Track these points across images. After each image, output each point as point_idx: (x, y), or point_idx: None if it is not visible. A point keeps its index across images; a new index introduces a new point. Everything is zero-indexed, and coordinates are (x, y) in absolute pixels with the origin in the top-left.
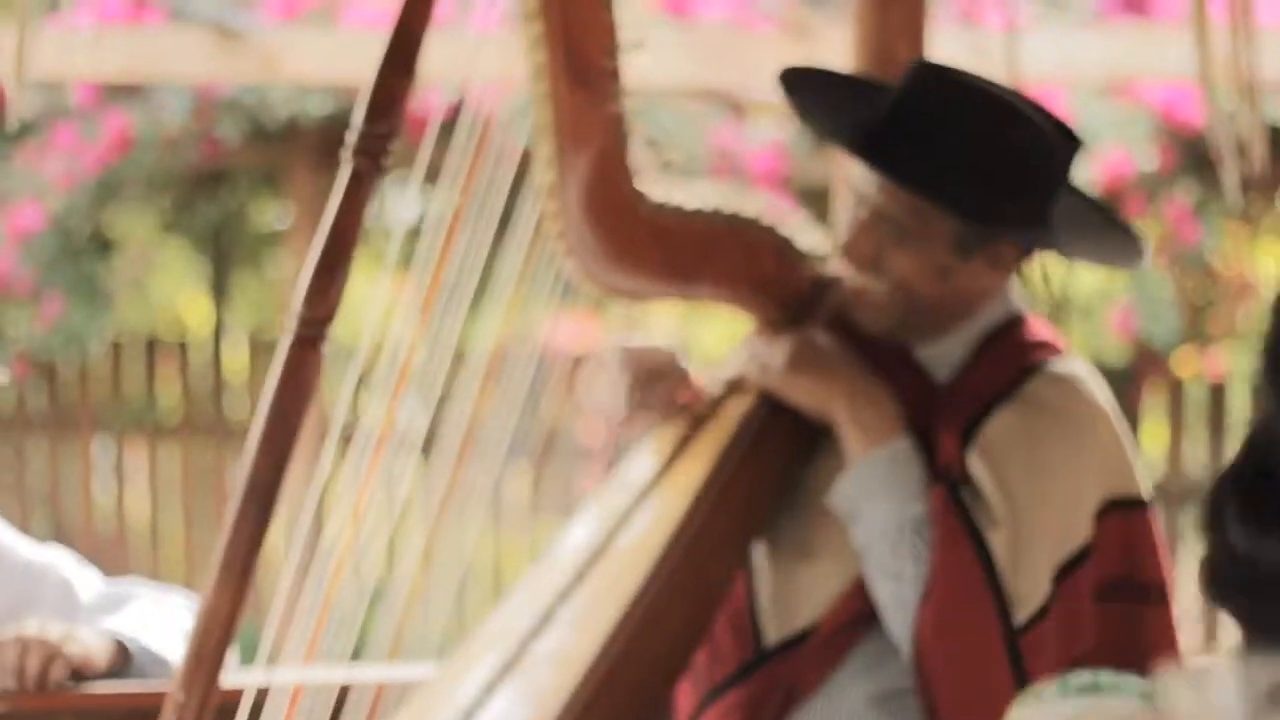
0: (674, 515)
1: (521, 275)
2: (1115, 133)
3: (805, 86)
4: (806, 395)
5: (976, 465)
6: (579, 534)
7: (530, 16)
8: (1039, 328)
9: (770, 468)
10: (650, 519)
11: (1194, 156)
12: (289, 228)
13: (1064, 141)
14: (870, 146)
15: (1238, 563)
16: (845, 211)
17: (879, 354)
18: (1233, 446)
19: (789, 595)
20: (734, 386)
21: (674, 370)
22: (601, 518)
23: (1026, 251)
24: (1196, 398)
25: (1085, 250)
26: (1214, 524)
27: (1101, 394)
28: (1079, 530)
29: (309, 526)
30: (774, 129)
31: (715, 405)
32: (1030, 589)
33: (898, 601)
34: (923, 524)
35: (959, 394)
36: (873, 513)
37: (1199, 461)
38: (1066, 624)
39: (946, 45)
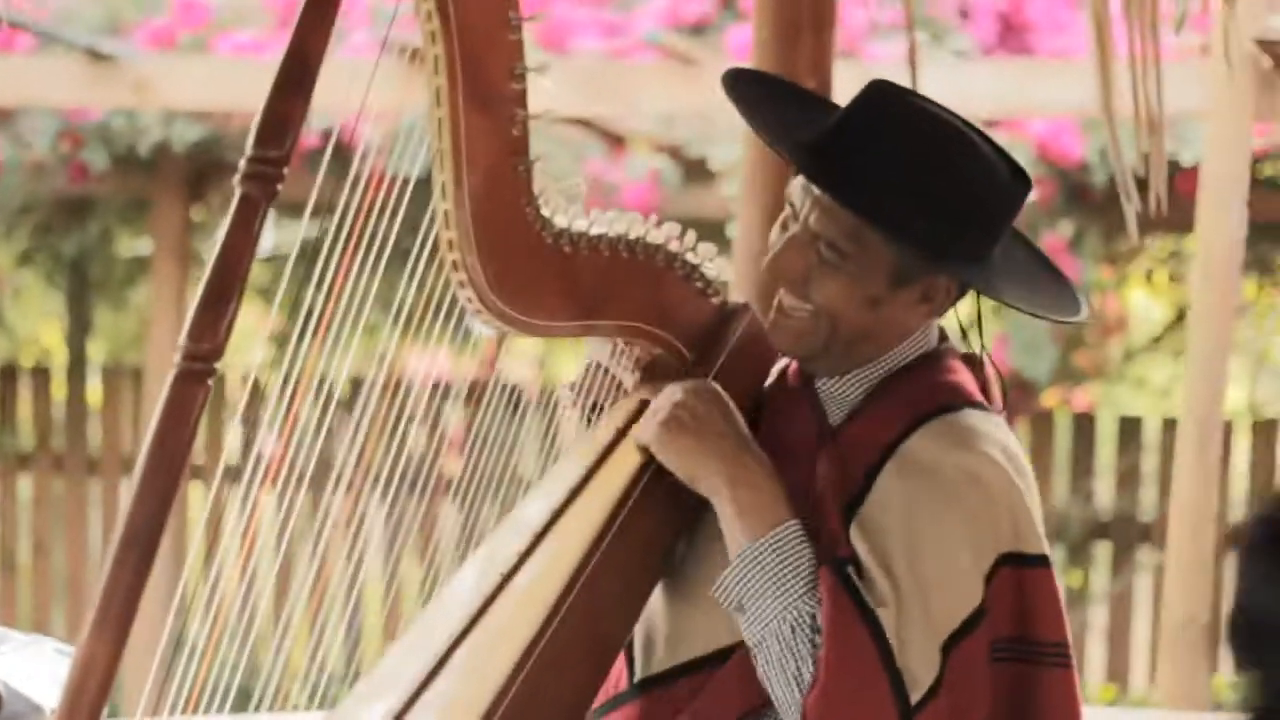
0: (570, 559)
1: (390, 304)
2: None
3: (749, 89)
4: (680, 464)
5: (857, 540)
6: (472, 575)
7: (430, 38)
8: (948, 369)
9: (670, 507)
10: (546, 562)
11: (1071, 191)
12: (152, 255)
13: (1014, 180)
14: (816, 162)
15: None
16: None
17: (779, 387)
18: (1101, 481)
19: (671, 630)
20: (640, 408)
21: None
22: (496, 560)
23: (961, 290)
24: (1064, 431)
25: (1019, 296)
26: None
27: (998, 445)
28: (968, 596)
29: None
30: (650, 160)
31: (619, 434)
32: (921, 666)
33: (793, 703)
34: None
35: (846, 447)
36: (762, 611)
37: (1063, 495)
38: (961, 695)
39: (837, 79)
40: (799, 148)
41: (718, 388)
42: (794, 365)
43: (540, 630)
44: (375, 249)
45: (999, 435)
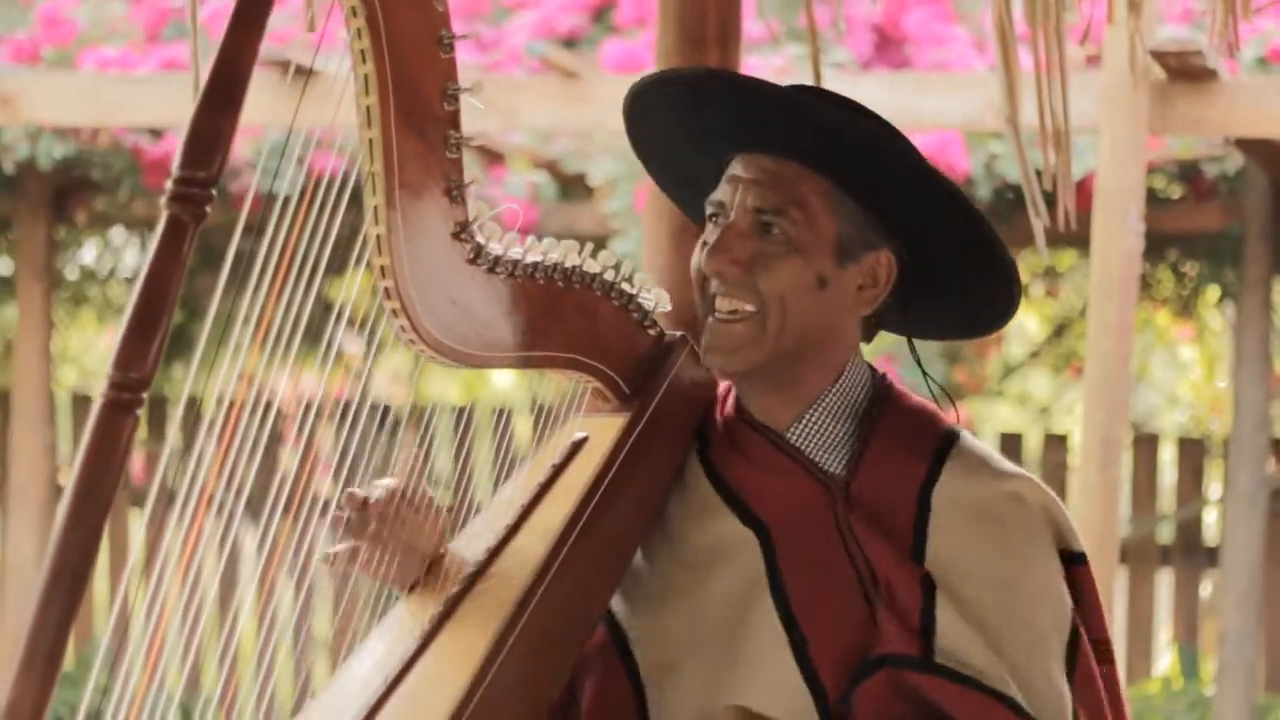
0: (519, 587)
1: (259, 323)
2: None
3: (650, 102)
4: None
5: (945, 608)
6: (418, 604)
7: (360, 57)
8: (905, 393)
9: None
10: (496, 589)
11: None
12: (14, 275)
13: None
14: (758, 132)
15: None
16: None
17: (750, 456)
18: None
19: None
20: (575, 448)
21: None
22: (439, 591)
23: (899, 269)
24: None
25: (951, 291)
26: None
27: (1002, 458)
28: (1065, 608)
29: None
30: (528, 176)
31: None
32: (1051, 702)
33: None
34: None
35: (868, 500)
36: None
37: None
38: (1094, 710)
39: None
40: (739, 130)
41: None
42: (729, 414)
43: (488, 660)
44: (243, 267)
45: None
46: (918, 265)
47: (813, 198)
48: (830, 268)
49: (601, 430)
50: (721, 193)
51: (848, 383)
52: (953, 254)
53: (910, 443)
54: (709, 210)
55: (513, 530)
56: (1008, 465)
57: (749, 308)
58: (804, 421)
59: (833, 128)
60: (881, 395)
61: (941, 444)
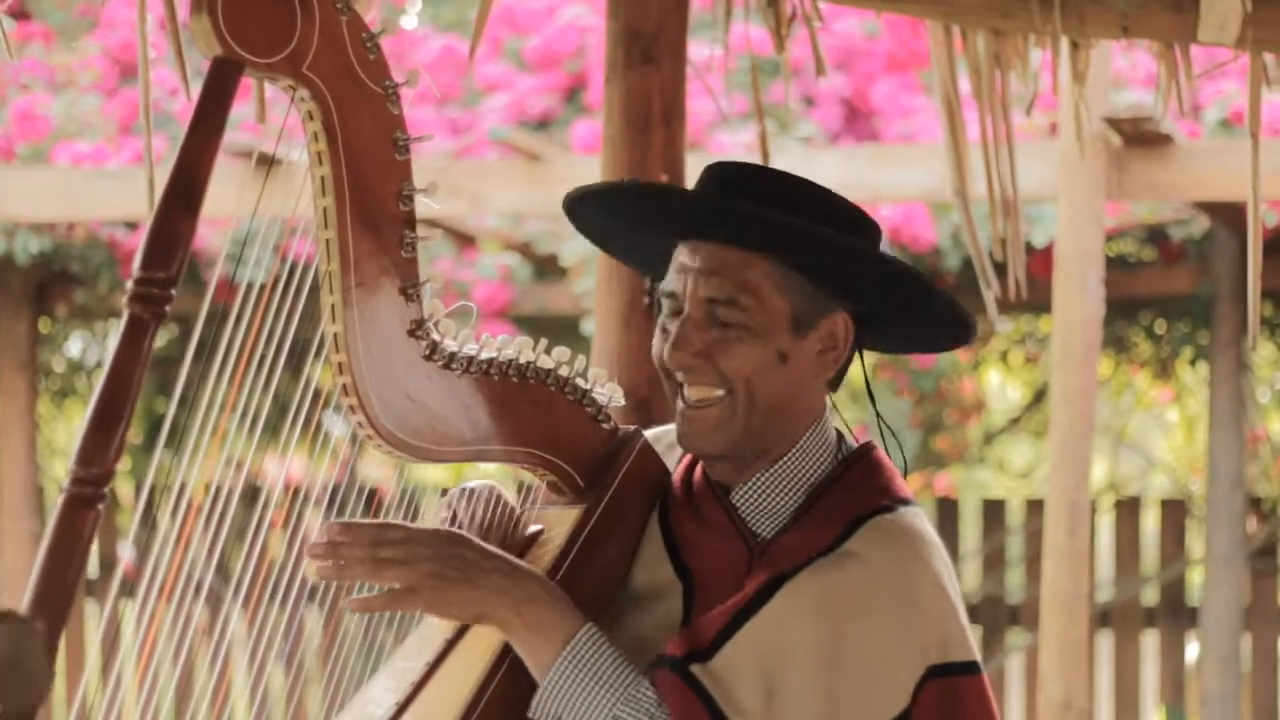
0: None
1: (235, 409)
2: None
3: (592, 210)
4: (466, 613)
5: (750, 637)
6: (381, 687)
7: (317, 159)
8: (870, 469)
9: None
10: (453, 679)
11: None
12: None
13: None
14: (698, 223)
15: None
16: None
17: (691, 498)
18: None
19: None
20: (530, 540)
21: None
22: (403, 673)
23: (856, 326)
24: (926, 518)
25: (910, 328)
26: None
27: (935, 550)
28: (894, 702)
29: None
30: (500, 258)
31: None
32: None
33: None
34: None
35: (777, 557)
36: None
37: None
38: None
39: (687, 172)
40: (682, 223)
41: (449, 529)
42: (698, 472)
43: None
44: (224, 355)
45: (932, 535)
46: (875, 315)
47: (760, 280)
48: (788, 342)
49: (557, 523)
50: (673, 282)
51: (802, 452)
52: (902, 302)
53: (839, 512)
54: (662, 299)
55: (464, 626)
56: (925, 551)
57: (718, 392)
58: (748, 485)
59: (754, 219)
60: (843, 467)
61: (868, 512)
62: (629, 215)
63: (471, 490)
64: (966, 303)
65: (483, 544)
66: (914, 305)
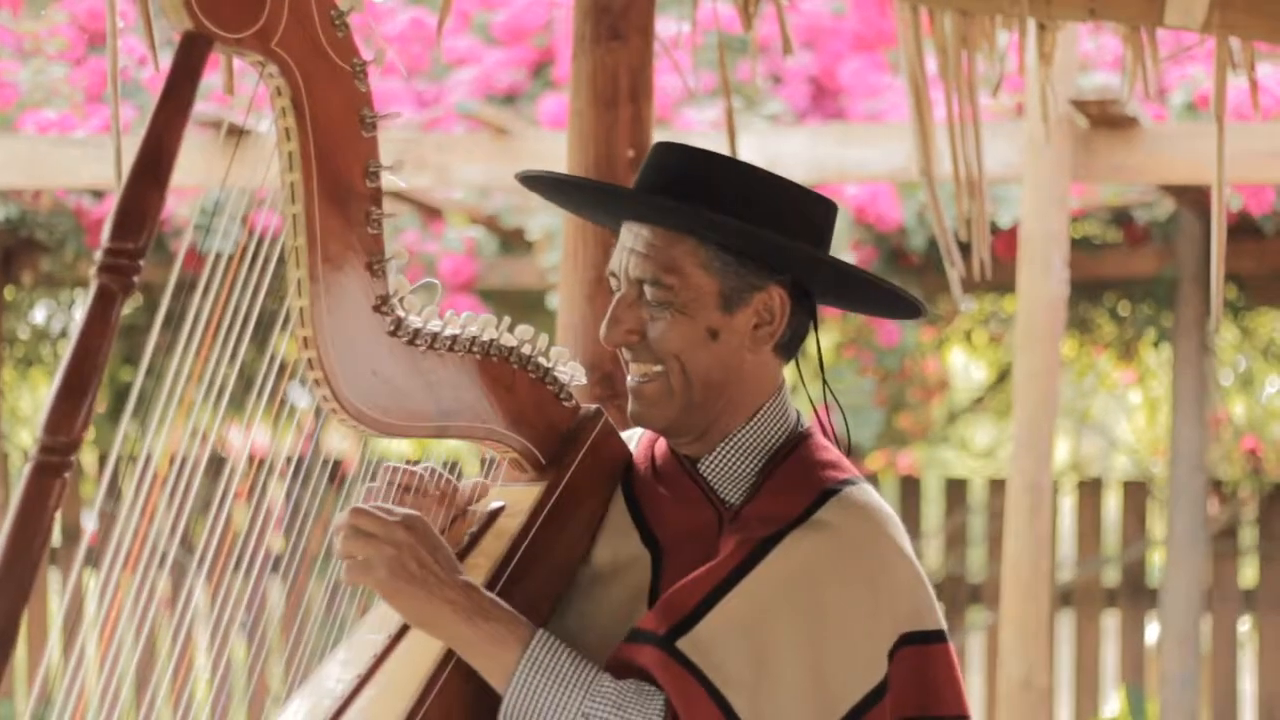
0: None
1: (201, 380)
2: None
3: (547, 183)
4: (413, 615)
5: (730, 606)
6: (342, 660)
7: (285, 135)
8: (822, 447)
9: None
10: (412, 653)
11: (890, 254)
12: None
13: (819, 198)
14: (625, 212)
15: None
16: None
17: (657, 472)
18: (929, 543)
19: None
20: (492, 516)
21: (437, 491)
22: (364, 645)
23: (794, 302)
24: (890, 494)
25: (851, 299)
26: None
27: (898, 524)
28: (873, 670)
29: None
30: (466, 232)
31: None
32: None
33: None
34: (603, 697)
35: (749, 523)
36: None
37: None
38: None
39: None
40: (615, 199)
41: (422, 521)
42: (661, 447)
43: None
44: (190, 326)
45: (890, 510)
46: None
47: (685, 260)
48: (718, 319)
49: (518, 499)
50: (614, 261)
51: (761, 422)
52: (835, 281)
53: (805, 482)
54: (608, 277)
55: None
56: (892, 526)
57: (655, 368)
58: (715, 453)
59: (672, 209)
60: (796, 440)
61: (836, 485)
62: (573, 199)
63: (411, 473)
64: (931, 282)
65: (451, 555)
66: (849, 290)
